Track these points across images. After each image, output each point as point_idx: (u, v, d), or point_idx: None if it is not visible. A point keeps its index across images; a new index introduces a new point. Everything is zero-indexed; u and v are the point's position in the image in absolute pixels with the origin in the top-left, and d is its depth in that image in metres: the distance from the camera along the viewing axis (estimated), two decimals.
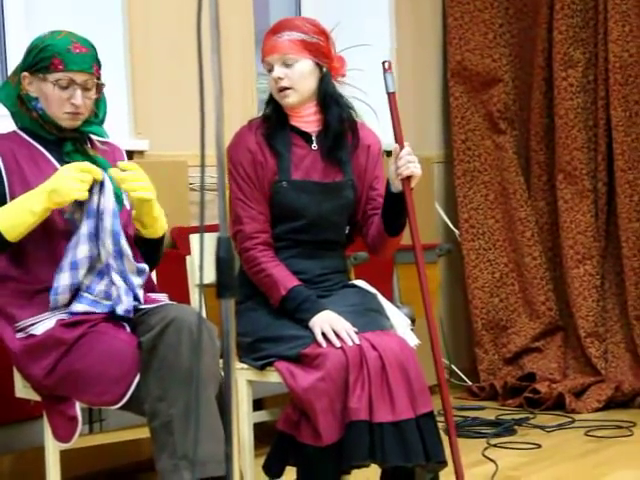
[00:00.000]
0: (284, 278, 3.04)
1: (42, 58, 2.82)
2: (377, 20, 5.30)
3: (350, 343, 2.89)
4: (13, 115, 2.94)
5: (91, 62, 2.85)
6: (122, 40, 4.07)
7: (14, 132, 2.94)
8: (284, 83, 3.07)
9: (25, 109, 2.90)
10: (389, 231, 3.09)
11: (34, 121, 2.90)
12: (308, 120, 3.14)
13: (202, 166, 1.60)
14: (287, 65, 3.07)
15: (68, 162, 2.88)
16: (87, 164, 2.77)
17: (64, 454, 2.86)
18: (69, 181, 2.70)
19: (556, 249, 5.38)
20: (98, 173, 2.76)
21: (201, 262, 1.64)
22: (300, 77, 3.07)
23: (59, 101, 2.83)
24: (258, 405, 3.69)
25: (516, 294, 5.41)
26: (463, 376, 5.42)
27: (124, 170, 2.81)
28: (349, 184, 3.16)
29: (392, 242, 3.14)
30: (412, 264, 3.17)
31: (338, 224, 3.17)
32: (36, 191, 2.74)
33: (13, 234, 2.74)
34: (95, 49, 2.89)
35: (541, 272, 5.33)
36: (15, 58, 3.34)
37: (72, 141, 2.91)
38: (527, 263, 5.35)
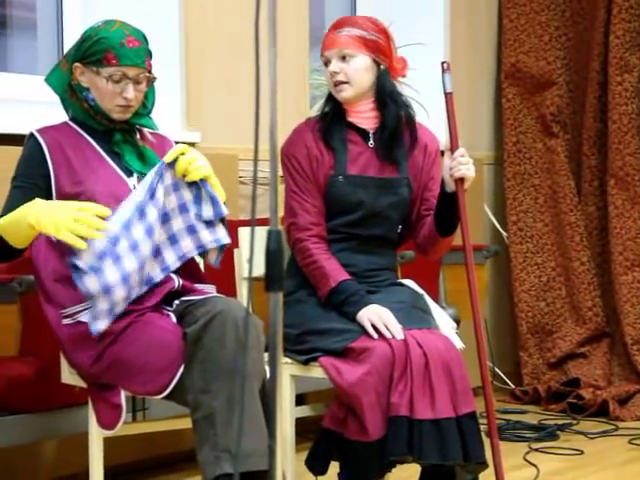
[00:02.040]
0: (334, 271, 3.04)
1: (95, 51, 2.82)
2: (432, 19, 5.29)
3: (399, 337, 2.89)
4: (63, 102, 2.96)
5: (144, 56, 2.86)
6: (177, 32, 4.09)
7: (65, 123, 2.95)
8: (339, 77, 3.08)
9: (76, 99, 2.91)
10: (441, 231, 3.09)
11: (84, 111, 2.91)
12: (365, 116, 3.14)
13: (255, 160, 1.61)
14: (344, 60, 3.08)
15: (117, 152, 2.90)
16: (89, 205, 2.69)
17: (107, 441, 2.88)
18: (62, 216, 2.64)
19: (605, 255, 5.34)
20: (101, 211, 2.68)
21: (251, 256, 1.65)
22: (355, 72, 3.07)
23: (111, 95, 2.84)
24: (299, 400, 3.70)
25: (563, 299, 5.38)
26: (506, 379, 5.40)
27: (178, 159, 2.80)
28: (405, 182, 3.16)
29: (443, 242, 3.13)
30: (459, 265, 3.17)
31: (392, 220, 3.17)
32: (31, 211, 2.68)
33: (13, 242, 2.73)
34: (147, 40, 2.89)
35: (589, 277, 5.30)
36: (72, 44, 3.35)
37: (121, 132, 2.92)
38: (575, 268, 5.32)
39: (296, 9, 4.49)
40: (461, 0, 5.37)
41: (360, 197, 3.10)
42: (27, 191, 2.82)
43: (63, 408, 3.35)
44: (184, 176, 2.81)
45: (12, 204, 2.81)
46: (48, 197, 2.82)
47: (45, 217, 2.66)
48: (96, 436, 2.84)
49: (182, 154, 2.80)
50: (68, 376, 2.95)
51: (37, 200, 2.72)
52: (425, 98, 3.68)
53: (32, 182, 2.83)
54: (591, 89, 5.29)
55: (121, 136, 2.91)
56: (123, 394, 2.77)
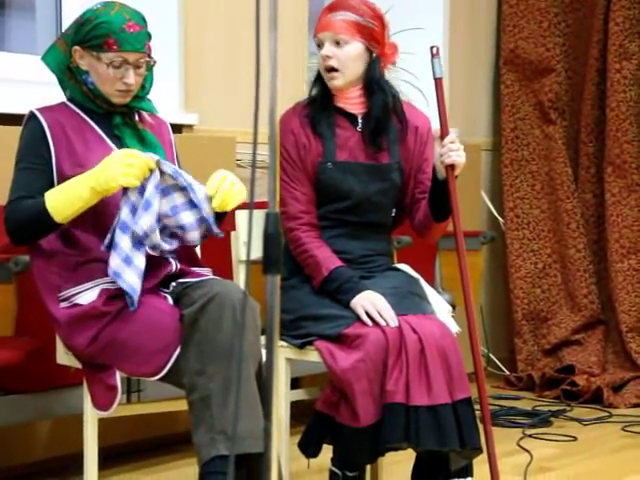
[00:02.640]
0: (327, 259, 3.04)
1: (95, 36, 2.80)
2: (431, 4, 5.28)
3: (392, 324, 2.89)
4: (61, 82, 2.95)
5: (144, 40, 2.84)
6: (176, 14, 4.08)
7: (63, 103, 2.94)
8: (331, 62, 3.06)
9: (74, 81, 2.90)
10: (435, 216, 3.08)
11: (83, 94, 2.90)
12: (354, 102, 3.12)
13: (254, 143, 1.61)
14: (337, 45, 3.06)
15: (117, 135, 2.90)
16: (136, 151, 2.74)
17: (102, 422, 2.88)
18: (115, 166, 2.68)
19: (601, 242, 5.34)
20: (149, 160, 2.73)
21: (249, 239, 1.64)
22: (348, 59, 3.06)
23: (112, 80, 2.83)
24: (294, 384, 3.70)
25: (558, 286, 5.39)
26: (501, 365, 5.40)
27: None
28: (395, 167, 3.15)
29: (438, 227, 3.13)
30: (455, 251, 3.16)
31: (384, 206, 3.17)
32: (86, 175, 2.72)
33: (61, 216, 2.74)
34: (146, 23, 2.88)
35: (585, 265, 5.30)
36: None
37: (121, 115, 2.92)
38: (571, 255, 5.32)
39: None
40: None
41: (350, 185, 3.09)
42: (38, 172, 2.80)
43: (58, 389, 3.35)
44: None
45: (25, 186, 2.79)
46: (52, 177, 2.81)
47: (102, 175, 2.69)
48: (91, 417, 2.84)
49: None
50: (63, 357, 2.95)
51: (87, 172, 2.73)
52: (423, 83, 3.68)
53: (40, 162, 2.82)
54: (590, 76, 5.28)
55: (121, 119, 2.91)
56: (119, 375, 2.77)
